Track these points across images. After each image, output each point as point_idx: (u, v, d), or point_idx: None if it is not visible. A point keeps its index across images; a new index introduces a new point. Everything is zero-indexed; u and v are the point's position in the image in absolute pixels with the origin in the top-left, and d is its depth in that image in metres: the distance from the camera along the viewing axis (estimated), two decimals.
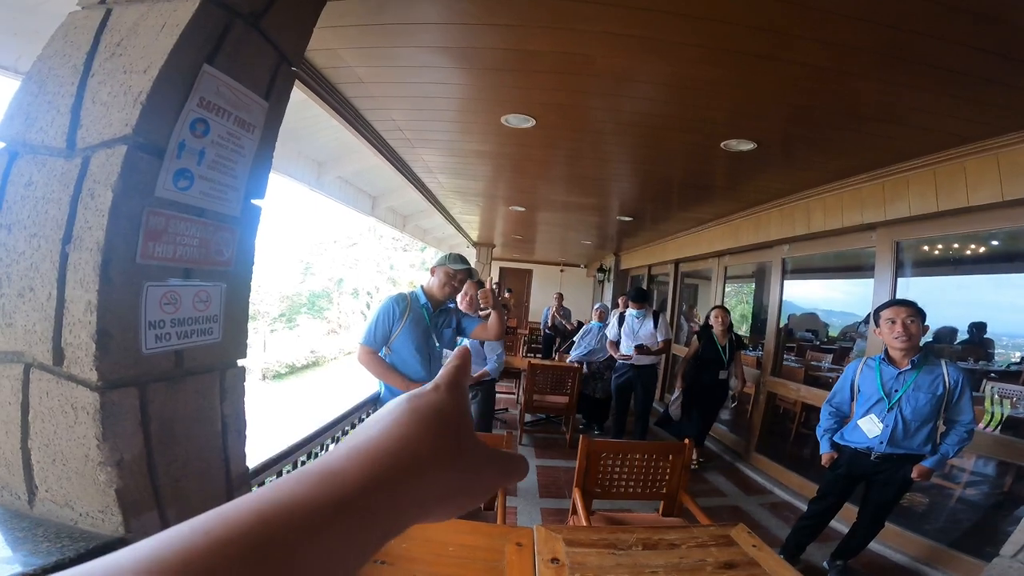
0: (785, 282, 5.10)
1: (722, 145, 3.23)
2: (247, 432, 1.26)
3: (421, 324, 2.58)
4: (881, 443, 2.57)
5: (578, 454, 2.38)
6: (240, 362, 1.21)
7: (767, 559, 1.51)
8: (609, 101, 2.75)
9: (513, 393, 6.74)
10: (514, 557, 1.47)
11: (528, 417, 5.41)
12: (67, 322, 0.86)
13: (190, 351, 1.03)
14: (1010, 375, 3.52)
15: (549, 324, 8.74)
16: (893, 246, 3.71)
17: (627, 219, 6.43)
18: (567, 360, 5.69)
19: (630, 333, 4.90)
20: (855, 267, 5.06)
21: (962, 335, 3.86)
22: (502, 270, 13.97)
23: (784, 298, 5.09)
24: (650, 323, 4.86)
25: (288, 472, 2.20)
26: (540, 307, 12.97)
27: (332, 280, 29.05)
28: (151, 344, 0.93)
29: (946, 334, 3.92)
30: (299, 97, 2.52)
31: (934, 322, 3.86)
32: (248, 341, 1.22)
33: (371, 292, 29.44)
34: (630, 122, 3.04)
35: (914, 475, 2.49)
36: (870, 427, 2.62)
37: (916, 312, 2.54)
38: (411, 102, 3.00)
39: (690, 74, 2.35)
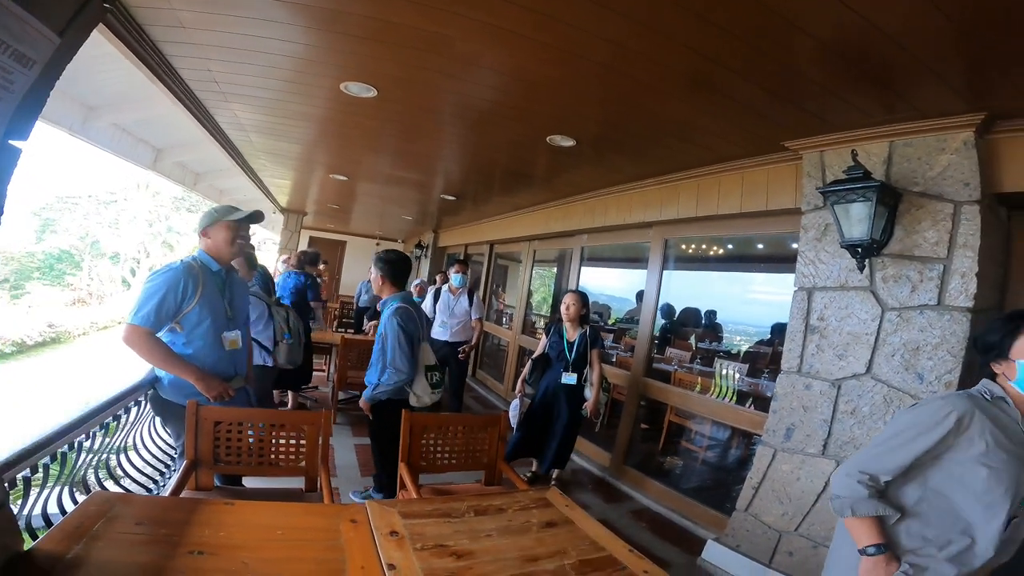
0: (583, 268, 5.82)
1: (547, 139, 3.53)
2: None
3: (218, 297, 2.17)
4: None
5: (400, 430, 2.34)
6: None
7: (579, 516, 1.71)
8: (455, 83, 2.78)
9: (323, 370, 6.28)
10: (351, 534, 1.42)
11: (341, 395, 5.09)
12: None
13: None
14: (734, 355, 4.32)
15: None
16: (663, 243, 4.48)
17: (450, 198, 6.56)
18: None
19: (446, 309, 5.01)
20: (635, 259, 5.96)
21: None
22: (312, 239, 12.94)
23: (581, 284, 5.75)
24: (465, 300, 5.04)
25: (47, 464, 1.73)
26: (353, 280, 12.38)
27: (84, 241, 23.27)
28: None
29: (691, 316, 4.79)
30: None
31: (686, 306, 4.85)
32: None
33: (138, 257, 24.49)
34: (469, 105, 3.11)
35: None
36: None
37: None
38: (238, 55, 2.61)
39: (533, 69, 2.49)
